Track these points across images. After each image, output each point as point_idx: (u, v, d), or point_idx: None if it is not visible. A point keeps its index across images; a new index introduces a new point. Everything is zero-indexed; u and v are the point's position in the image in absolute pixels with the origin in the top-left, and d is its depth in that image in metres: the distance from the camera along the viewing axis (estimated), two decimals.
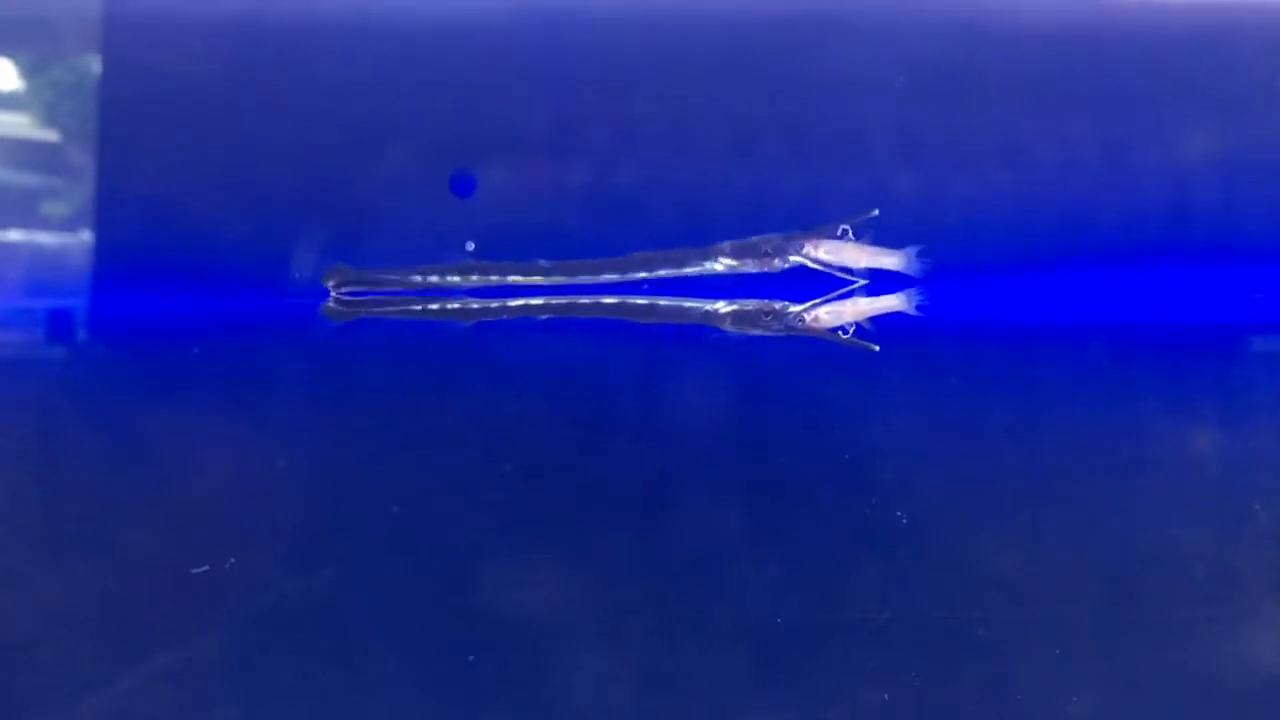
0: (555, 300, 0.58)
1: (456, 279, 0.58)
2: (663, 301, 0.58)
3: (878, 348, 0.57)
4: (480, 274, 0.58)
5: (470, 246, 0.58)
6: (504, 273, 0.58)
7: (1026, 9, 0.61)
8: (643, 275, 0.58)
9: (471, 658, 0.60)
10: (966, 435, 0.61)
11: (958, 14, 0.61)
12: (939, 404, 0.61)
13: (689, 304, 0.59)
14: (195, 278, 0.60)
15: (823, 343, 0.58)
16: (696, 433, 0.61)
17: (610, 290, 0.58)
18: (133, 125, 0.62)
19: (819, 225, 0.58)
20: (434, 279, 0.58)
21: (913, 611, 0.61)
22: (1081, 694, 0.60)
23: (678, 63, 0.61)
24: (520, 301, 0.58)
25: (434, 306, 0.59)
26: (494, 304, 0.59)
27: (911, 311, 0.57)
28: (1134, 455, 0.61)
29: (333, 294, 0.59)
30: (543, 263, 0.58)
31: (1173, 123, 0.60)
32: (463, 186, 0.60)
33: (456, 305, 0.59)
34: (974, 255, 0.59)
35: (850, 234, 0.57)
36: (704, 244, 0.58)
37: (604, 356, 0.61)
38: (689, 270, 0.58)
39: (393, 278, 0.59)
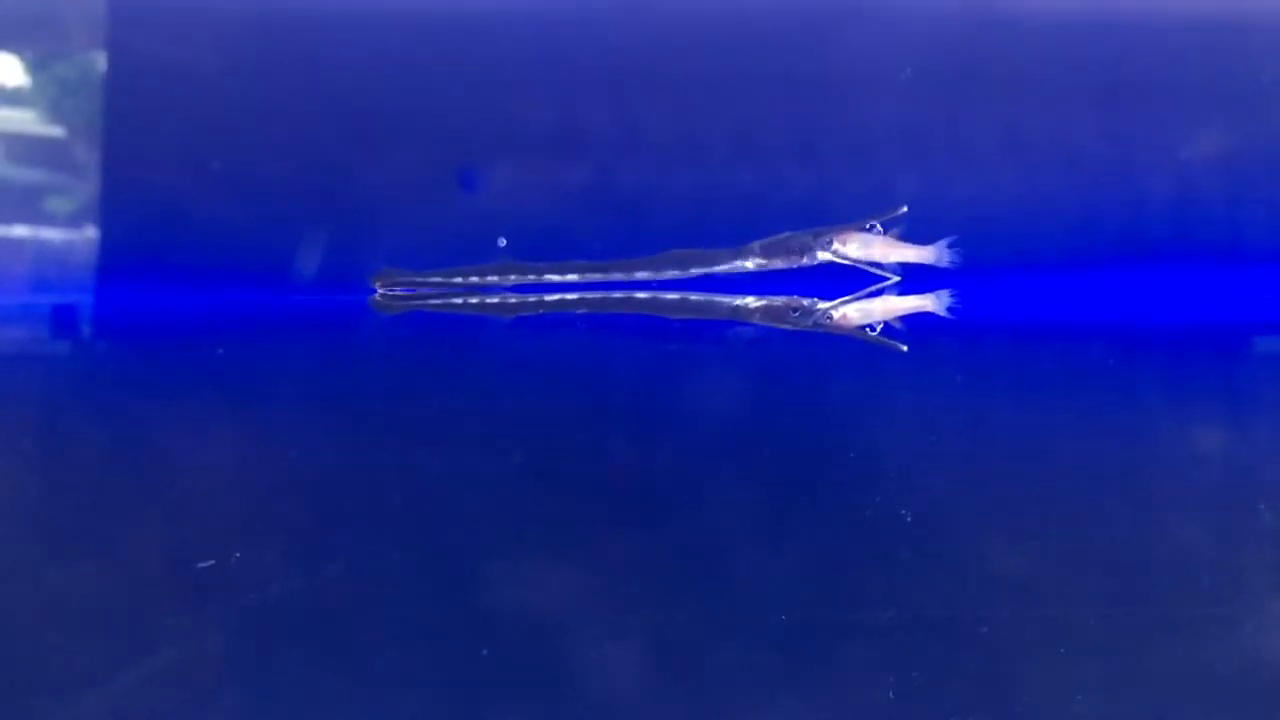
0: (590, 296, 0.59)
1: (495, 278, 0.60)
2: (693, 297, 0.59)
3: (905, 347, 0.57)
4: (518, 273, 0.59)
5: (502, 242, 0.59)
6: (541, 272, 0.59)
7: (1031, 7, 0.61)
8: (675, 274, 0.58)
9: (485, 652, 0.60)
10: (970, 434, 0.62)
11: (962, 12, 0.61)
12: (943, 402, 0.61)
13: (718, 300, 0.59)
14: (200, 273, 0.60)
15: (828, 340, 0.58)
16: (701, 430, 0.61)
17: (642, 284, 0.59)
18: (137, 121, 0.62)
19: (832, 222, 0.58)
20: (474, 279, 0.60)
21: (916, 610, 0.61)
22: (1085, 693, 0.61)
23: (685, 59, 0.61)
24: (556, 297, 0.59)
25: (474, 301, 0.60)
26: (531, 299, 0.60)
27: (942, 312, 0.57)
28: (1138, 454, 0.61)
29: (380, 291, 0.60)
30: (578, 262, 0.59)
31: (1179, 122, 0.60)
32: (467, 182, 0.60)
33: (496, 300, 0.60)
34: (979, 254, 0.59)
35: (879, 229, 0.57)
36: (713, 241, 0.59)
37: (612, 354, 0.61)
38: (720, 269, 0.58)
39: (436, 278, 0.60)
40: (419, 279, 0.60)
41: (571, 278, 0.59)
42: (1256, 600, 0.61)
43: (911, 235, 0.57)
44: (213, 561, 0.60)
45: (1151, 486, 0.61)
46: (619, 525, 0.62)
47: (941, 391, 0.61)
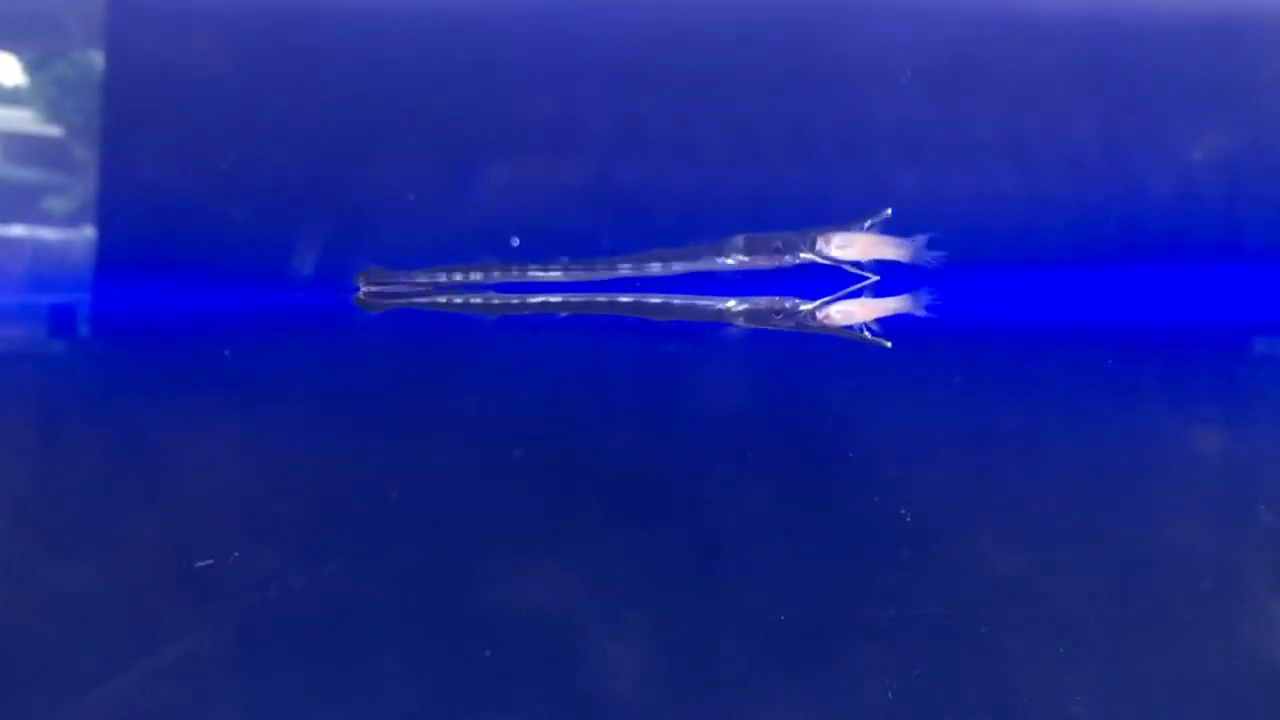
0: (573, 298, 0.59)
1: (479, 276, 0.60)
2: (676, 300, 0.59)
3: (890, 344, 0.57)
4: (502, 271, 0.59)
5: (515, 242, 0.59)
6: (525, 269, 0.59)
7: (1029, 6, 0.60)
8: (658, 270, 0.58)
9: (487, 653, 0.60)
10: (970, 434, 0.61)
11: (962, 10, 0.60)
12: (942, 402, 0.61)
13: (702, 302, 0.59)
14: (198, 272, 0.60)
15: (826, 340, 0.58)
16: (700, 431, 0.61)
17: (626, 286, 0.59)
18: (136, 120, 0.62)
19: (829, 221, 0.58)
20: (458, 277, 0.60)
21: (916, 610, 0.60)
22: (1085, 694, 0.60)
23: (683, 58, 0.61)
24: (540, 298, 0.59)
25: (459, 300, 0.60)
26: (515, 300, 0.60)
27: (920, 312, 0.56)
28: (1138, 455, 0.61)
29: (364, 290, 0.60)
30: (562, 260, 0.59)
31: (1179, 121, 0.60)
32: (471, 184, 0.60)
33: (480, 300, 0.60)
34: (978, 253, 0.59)
35: (862, 229, 0.57)
36: (710, 240, 0.58)
37: (607, 353, 0.61)
38: (702, 265, 0.58)
39: (421, 277, 0.60)
40: (403, 278, 0.60)
41: (555, 275, 0.59)
42: (1256, 601, 0.60)
43: (910, 234, 0.57)
44: (211, 561, 0.59)
45: (1150, 486, 0.61)
46: (617, 525, 0.62)
47: (940, 391, 0.60)
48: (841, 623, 0.61)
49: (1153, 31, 0.60)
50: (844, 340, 0.58)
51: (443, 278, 0.60)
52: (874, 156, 0.60)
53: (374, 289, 0.60)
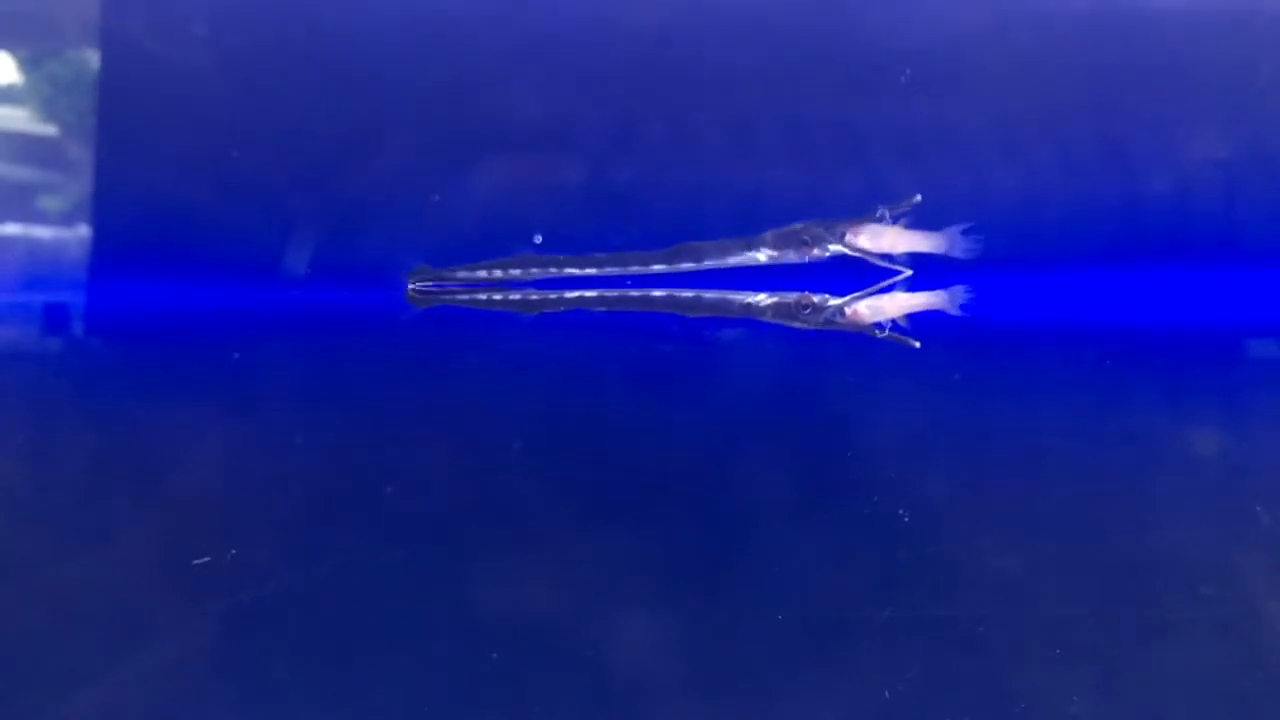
0: (609, 293, 0.60)
1: (518, 272, 0.60)
2: (707, 294, 0.59)
3: (918, 344, 0.56)
4: (540, 266, 0.60)
5: (538, 239, 0.60)
6: (561, 265, 0.59)
7: (1025, 6, 0.60)
8: (690, 266, 0.58)
9: (495, 655, 0.60)
10: (968, 434, 0.61)
11: (958, 11, 0.60)
12: (939, 403, 0.60)
13: (732, 296, 0.59)
14: (193, 271, 0.60)
15: (823, 341, 0.58)
16: (697, 432, 0.61)
17: (658, 281, 0.59)
18: (130, 120, 0.62)
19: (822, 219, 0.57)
20: (498, 273, 0.60)
21: (913, 610, 0.60)
22: (1081, 694, 0.60)
23: (682, 58, 0.61)
24: (576, 294, 0.60)
25: (498, 297, 0.60)
26: (552, 296, 0.60)
27: (954, 310, 0.56)
28: (1135, 456, 0.61)
29: (413, 287, 0.60)
30: (597, 255, 0.59)
31: (1176, 121, 0.60)
32: None
33: (518, 297, 0.60)
34: (976, 253, 0.58)
35: (890, 219, 0.56)
36: (710, 238, 0.58)
37: (610, 355, 0.61)
38: (732, 260, 0.58)
39: (462, 273, 0.60)
40: (449, 273, 0.60)
41: (590, 271, 0.59)
42: (1253, 602, 0.60)
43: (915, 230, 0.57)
44: (208, 558, 0.60)
45: (1148, 487, 0.61)
46: (612, 526, 0.62)
47: (937, 392, 0.60)
48: (838, 623, 0.61)
49: (1149, 32, 0.60)
50: (842, 341, 0.58)
51: (483, 274, 0.60)
52: (868, 157, 0.60)
53: (423, 286, 0.60)
